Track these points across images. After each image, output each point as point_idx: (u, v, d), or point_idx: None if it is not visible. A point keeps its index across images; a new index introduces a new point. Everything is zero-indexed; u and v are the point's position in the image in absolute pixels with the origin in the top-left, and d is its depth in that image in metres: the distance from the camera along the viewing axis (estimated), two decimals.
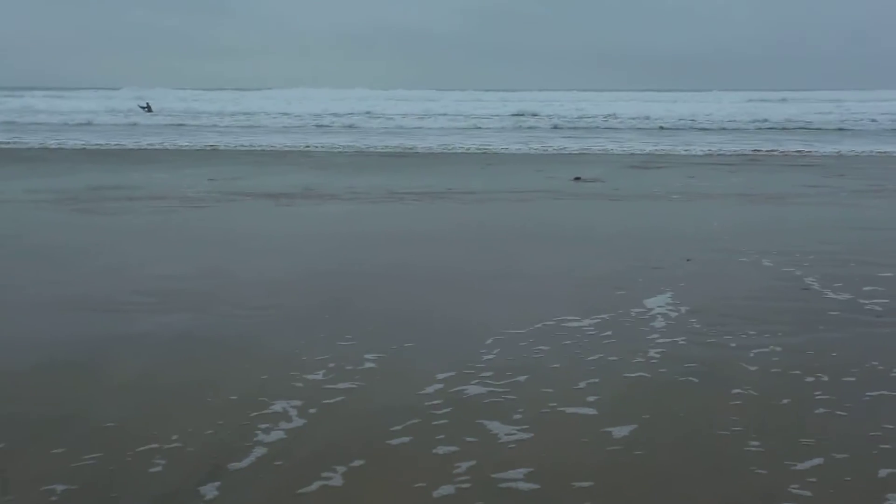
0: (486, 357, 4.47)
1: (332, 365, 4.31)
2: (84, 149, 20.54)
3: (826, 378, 4.14)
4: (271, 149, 20.38)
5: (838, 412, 3.73)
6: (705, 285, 5.99)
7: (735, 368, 4.28)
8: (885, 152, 18.96)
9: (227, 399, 3.89)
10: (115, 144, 21.75)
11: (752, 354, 4.46)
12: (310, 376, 4.15)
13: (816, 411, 3.75)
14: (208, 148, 20.68)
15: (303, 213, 9.95)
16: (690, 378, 4.18)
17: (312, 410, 3.75)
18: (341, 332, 4.86)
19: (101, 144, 21.79)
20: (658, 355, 4.51)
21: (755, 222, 8.96)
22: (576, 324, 5.15)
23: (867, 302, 5.46)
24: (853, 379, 4.13)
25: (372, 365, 4.33)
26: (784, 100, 44.48)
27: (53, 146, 21.22)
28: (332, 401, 3.86)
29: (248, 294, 5.80)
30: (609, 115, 32.24)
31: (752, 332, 4.82)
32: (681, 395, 3.98)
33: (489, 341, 4.73)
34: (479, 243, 7.74)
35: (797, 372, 4.22)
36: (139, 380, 4.17)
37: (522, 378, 4.20)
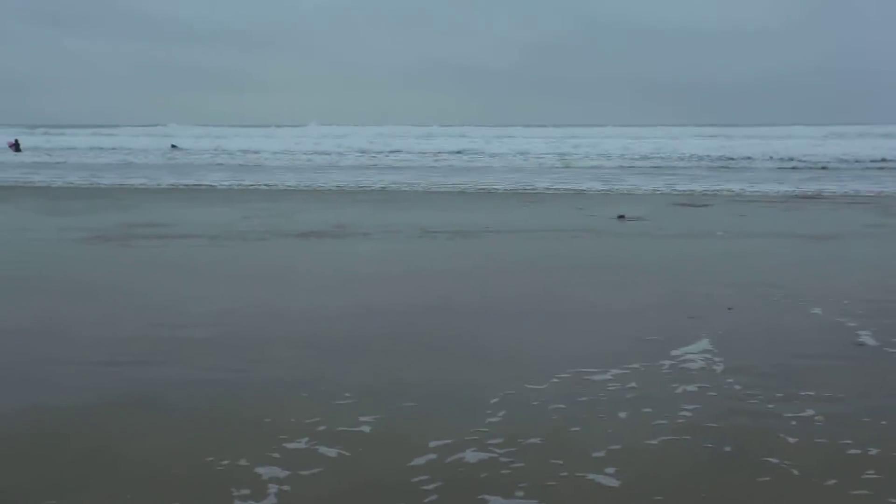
0: (491, 419, 4.04)
1: (322, 428, 3.93)
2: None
3: (875, 452, 3.62)
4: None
5: (890, 499, 3.21)
6: (745, 338, 5.47)
7: (773, 440, 3.77)
8: None
9: (198, 466, 3.53)
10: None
11: (793, 424, 3.95)
12: (290, 445, 3.75)
13: (860, 493, 3.24)
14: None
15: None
16: (723, 448, 3.70)
17: (286, 488, 3.36)
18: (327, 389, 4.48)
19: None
20: (686, 420, 4.03)
21: (805, 264, 8.38)
22: (599, 377, 4.72)
23: None
24: None
25: (365, 429, 3.94)
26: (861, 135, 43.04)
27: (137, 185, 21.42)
28: (311, 472, 3.47)
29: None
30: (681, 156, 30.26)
31: (793, 397, 4.30)
32: (708, 472, 3.50)
33: (496, 399, 4.30)
34: (503, 285, 7.31)
35: (844, 445, 3.71)
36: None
37: (530, 443, 3.77)
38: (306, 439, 3.78)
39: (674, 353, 5.14)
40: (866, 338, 5.44)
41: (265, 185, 19.84)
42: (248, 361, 5.01)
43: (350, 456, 3.61)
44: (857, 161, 26.19)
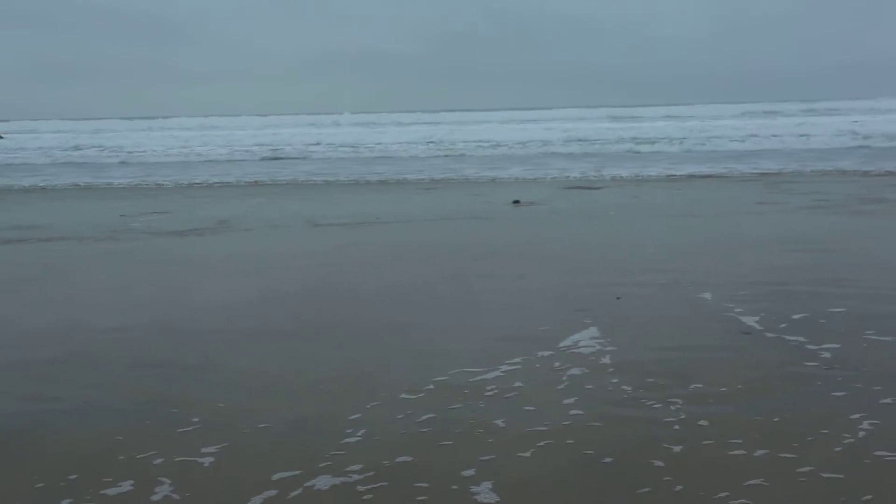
0: (349, 440, 3.61)
1: (158, 462, 3.43)
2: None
3: (760, 454, 3.36)
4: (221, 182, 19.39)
5: None
6: (633, 331, 5.18)
7: (655, 447, 3.46)
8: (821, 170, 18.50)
9: None
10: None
11: (676, 428, 3.65)
12: (110, 491, 3.24)
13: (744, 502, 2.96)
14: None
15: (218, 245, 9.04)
16: (603, 458, 3.37)
17: None
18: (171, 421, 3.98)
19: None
20: (567, 426, 3.70)
21: (696, 245, 8.23)
22: (479, 377, 4.39)
23: (816, 348, 4.69)
24: (792, 455, 3.34)
25: (206, 462, 3.45)
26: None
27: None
28: None
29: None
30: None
31: (679, 396, 4.01)
32: (588, 484, 3.17)
33: (357, 415, 3.87)
34: (381, 279, 6.88)
35: (731, 446, 3.43)
36: None
37: (396, 463, 3.37)
38: (130, 482, 3.27)
39: (560, 348, 4.83)
40: (753, 324, 5.23)
41: (144, 182, 18.76)
42: (83, 387, 4.44)
43: (178, 500, 3.13)
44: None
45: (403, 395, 4.19)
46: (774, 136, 26.42)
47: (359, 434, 3.69)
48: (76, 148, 30.77)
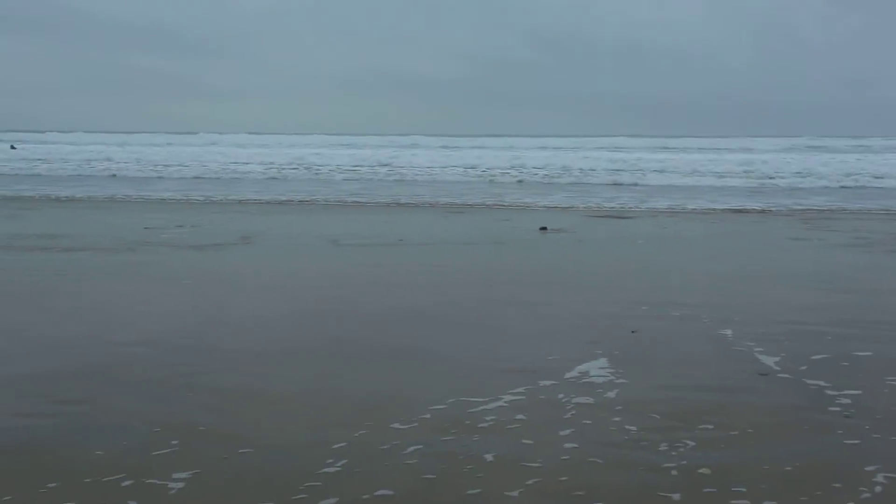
0: (327, 470, 3.43)
1: (126, 484, 3.27)
2: None
3: None
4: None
5: None
6: (645, 367, 4.95)
7: (650, 497, 3.22)
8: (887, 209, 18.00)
9: None
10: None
11: (675, 474, 3.42)
12: None
13: None
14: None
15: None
16: None
17: None
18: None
19: None
20: (560, 467, 3.47)
21: (722, 280, 7.93)
22: (478, 408, 4.19)
23: (836, 394, 4.41)
24: None
25: (174, 488, 3.29)
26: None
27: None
28: None
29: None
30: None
31: (683, 441, 3.77)
32: None
33: (342, 444, 3.69)
34: (395, 302, 6.70)
35: (732, 503, 3.19)
36: None
37: (375, 497, 3.18)
38: None
39: (566, 381, 4.62)
40: (772, 364, 4.97)
41: (171, 197, 18.84)
42: (58, 402, 4.31)
43: None
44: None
45: (395, 425, 4.00)
46: (818, 173, 25.73)
47: (339, 464, 3.51)
48: (108, 159, 31.04)
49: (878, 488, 3.31)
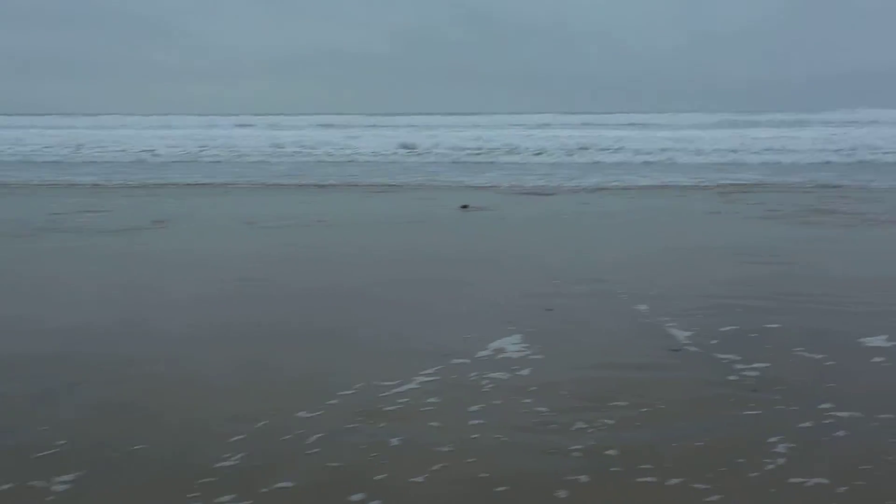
0: (225, 463, 3.28)
1: (5, 487, 3.06)
2: None
3: (671, 484, 3.09)
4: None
5: None
6: (558, 346, 4.90)
7: (556, 479, 3.16)
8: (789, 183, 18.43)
9: None
10: None
11: (581, 456, 3.36)
12: None
13: None
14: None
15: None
16: (496, 488, 3.08)
17: None
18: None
19: None
20: (464, 452, 3.39)
21: (640, 255, 7.97)
22: (387, 392, 4.08)
23: (744, 367, 4.43)
24: (704, 486, 3.07)
25: (56, 490, 3.09)
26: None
27: None
28: None
29: None
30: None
31: (592, 421, 3.71)
32: None
33: (240, 436, 3.53)
34: (306, 279, 6.53)
35: (638, 480, 3.15)
36: None
37: (275, 490, 3.05)
38: None
39: (479, 363, 4.54)
40: (685, 339, 4.98)
41: (85, 181, 18.22)
42: None
43: None
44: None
45: (300, 413, 3.87)
46: (734, 150, 26.15)
47: (236, 458, 3.36)
48: (18, 141, 29.65)
49: (780, 460, 3.32)
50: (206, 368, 4.56)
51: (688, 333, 5.11)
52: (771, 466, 3.27)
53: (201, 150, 26.94)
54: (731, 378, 4.28)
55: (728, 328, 5.21)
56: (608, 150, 25.86)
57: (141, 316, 5.70)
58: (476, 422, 3.74)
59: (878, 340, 4.94)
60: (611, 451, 3.37)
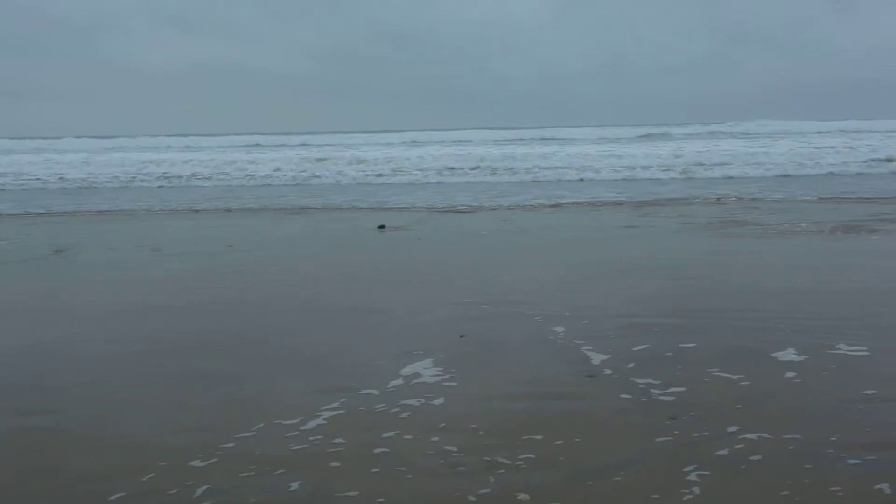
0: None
1: None
2: None
3: None
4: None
5: None
6: (472, 377, 4.67)
7: None
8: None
9: None
10: None
11: (485, 501, 3.14)
12: None
13: None
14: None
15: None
16: None
17: None
18: None
19: None
20: (371, 497, 3.13)
21: (557, 272, 7.84)
22: (287, 433, 3.78)
23: (661, 392, 4.29)
24: None
25: None
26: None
27: None
28: None
29: None
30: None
31: (504, 464, 3.48)
32: None
33: (121, 493, 3.20)
34: (214, 315, 6.18)
35: None
36: None
37: None
38: None
39: (386, 399, 4.28)
40: (601, 363, 4.82)
41: None
42: None
43: None
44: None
45: (194, 462, 3.55)
46: (653, 163, 26.42)
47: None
48: None
49: (695, 489, 3.17)
50: (97, 417, 4.19)
51: (604, 357, 4.95)
52: (689, 497, 3.12)
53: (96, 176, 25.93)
54: (648, 405, 4.12)
55: (644, 349, 5.08)
56: (524, 167, 25.83)
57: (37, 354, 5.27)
58: (379, 465, 3.48)
59: (790, 355, 4.88)
60: (522, 496, 3.15)
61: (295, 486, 3.30)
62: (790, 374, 4.55)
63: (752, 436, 3.68)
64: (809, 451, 3.52)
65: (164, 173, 25.84)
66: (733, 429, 3.77)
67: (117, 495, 3.23)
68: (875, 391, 4.23)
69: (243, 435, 3.85)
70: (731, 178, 21.49)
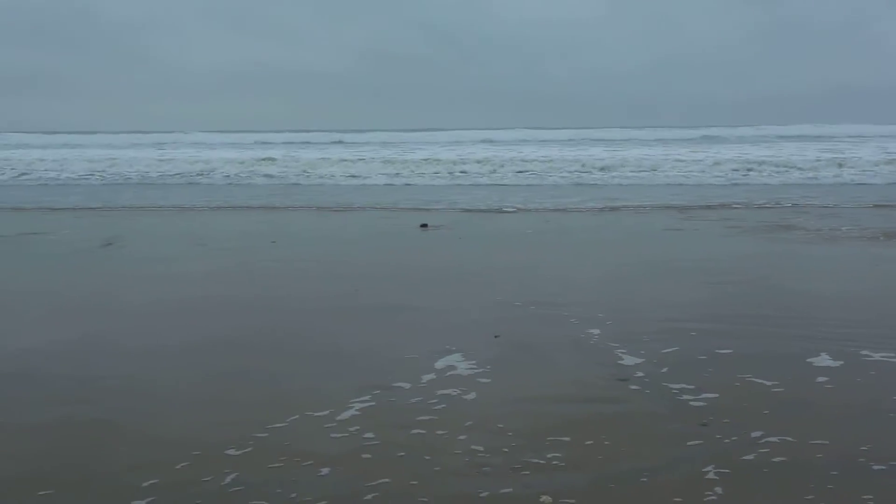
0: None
1: None
2: None
3: None
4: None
5: None
6: (505, 377, 4.69)
7: None
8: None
9: None
10: None
11: (509, 500, 3.16)
12: None
13: None
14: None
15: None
16: None
17: None
18: None
19: None
20: (387, 500, 3.18)
21: (596, 274, 7.81)
22: (320, 425, 3.83)
23: (693, 399, 4.27)
24: None
25: None
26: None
27: None
28: None
29: None
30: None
31: (530, 465, 3.48)
32: None
33: (154, 480, 3.29)
34: (251, 312, 6.29)
35: None
36: None
37: None
38: None
39: (417, 397, 4.33)
40: (635, 367, 4.80)
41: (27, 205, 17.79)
42: None
43: None
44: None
45: (229, 451, 3.65)
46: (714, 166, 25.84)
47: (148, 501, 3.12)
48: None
49: (719, 491, 3.19)
50: (134, 404, 4.31)
51: (638, 361, 4.94)
52: (711, 499, 3.12)
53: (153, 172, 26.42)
54: (680, 410, 4.11)
55: (680, 354, 5.06)
56: (572, 169, 25.60)
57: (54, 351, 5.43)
58: (406, 461, 3.53)
59: (826, 361, 4.83)
60: (545, 498, 3.17)
61: (324, 474, 3.37)
62: (823, 380, 4.51)
63: (779, 441, 3.67)
64: (838, 458, 3.48)
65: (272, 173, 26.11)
66: (760, 434, 3.75)
67: (151, 481, 3.33)
68: None
69: (276, 426, 3.93)
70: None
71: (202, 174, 24.81)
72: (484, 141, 42.18)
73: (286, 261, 8.94)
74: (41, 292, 7.38)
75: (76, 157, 30.43)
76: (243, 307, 6.65)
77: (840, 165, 23.40)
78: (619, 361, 4.94)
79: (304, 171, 25.04)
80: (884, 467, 3.39)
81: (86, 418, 4.12)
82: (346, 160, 27.92)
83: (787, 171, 23.12)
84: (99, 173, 25.39)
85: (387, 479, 3.35)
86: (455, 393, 4.39)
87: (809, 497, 3.15)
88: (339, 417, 4.03)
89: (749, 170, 23.60)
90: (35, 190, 20.65)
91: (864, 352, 5.02)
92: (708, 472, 3.37)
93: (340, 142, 44.30)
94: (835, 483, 3.26)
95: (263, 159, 28.40)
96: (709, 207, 14.56)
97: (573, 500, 3.15)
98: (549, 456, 3.56)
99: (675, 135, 47.54)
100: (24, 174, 25.50)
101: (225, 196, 17.91)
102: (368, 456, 3.59)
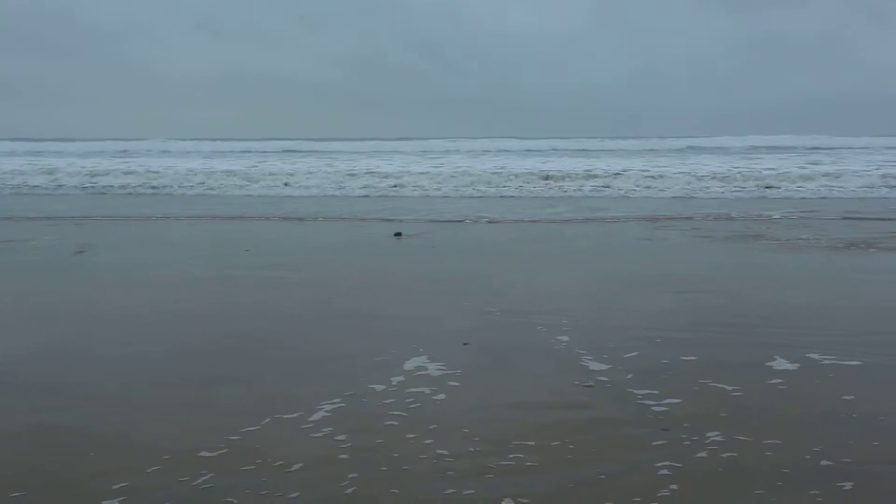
0: None
1: None
2: None
3: None
4: None
5: None
6: (472, 384, 4.77)
7: None
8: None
9: None
10: None
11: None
12: None
13: None
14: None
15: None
16: None
17: None
18: None
19: None
20: (359, 498, 3.25)
21: (567, 283, 7.93)
22: (291, 427, 3.88)
23: (656, 404, 4.38)
24: None
25: None
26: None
27: None
28: None
29: None
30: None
31: (493, 469, 3.55)
32: None
33: (123, 483, 3.34)
34: (222, 320, 6.34)
35: None
36: None
37: None
38: None
39: (384, 402, 4.39)
40: (601, 373, 4.91)
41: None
42: None
43: None
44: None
45: (201, 454, 3.70)
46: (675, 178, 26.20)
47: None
48: None
49: (674, 489, 3.32)
50: (107, 410, 4.35)
51: (604, 367, 5.05)
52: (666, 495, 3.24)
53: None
54: (642, 416, 4.20)
55: (644, 361, 5.17)
56: (555, 181, 25.71)
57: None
58: (371, 465, 3.60)
59: (784, 365, 5.01)
60: (506, 501, 3.25)
61: (294, 474, 3.44)
62: (779, 383, 4.71)
63: (734, 441, 3.81)
64: (789, 457, 3.63)
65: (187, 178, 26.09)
66: (716, 435, 3.89)
67: (121, 484, 3.37)
68: (863, 404, 4.32)
69: (249, 429, 3.99)
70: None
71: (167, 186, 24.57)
72: (468, 151, 42.32)
73: (258, 268, 8.98)
74: (11, 299, 7.37)
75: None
76: (216, 314, 6.70)
77: (810, 178, 23.76)
78: (585, 368, 5.04)
79: (286, 183, 24.98)
80: (831, 464, 3.55)
81: (57, 424, 4.15)
82: (325, 170, 27.90)
83: (760, 182, 23.47)
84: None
85: (349, 481, 3.42)
86: (422, 398, 4.47)
87: (759, 492, 3.28)
88: (308, 421, 4.09)
89: (725, 177, 24.01)
90: None
91: (819, 356, 5.20)
92: (665, 472, 3.47)
93: (316, 150, 44.33)
94: (784, 480, 3.39)
95: (231, 172, 28.11)
96: (681, 218, 14.77)
97: (533, 502, 3.23)
98: (511, 461, 3.64)
99: (655, 145, 47.98)
100: None
101: (194, 205, 17.89)
102: (342, 457, 3.66)
